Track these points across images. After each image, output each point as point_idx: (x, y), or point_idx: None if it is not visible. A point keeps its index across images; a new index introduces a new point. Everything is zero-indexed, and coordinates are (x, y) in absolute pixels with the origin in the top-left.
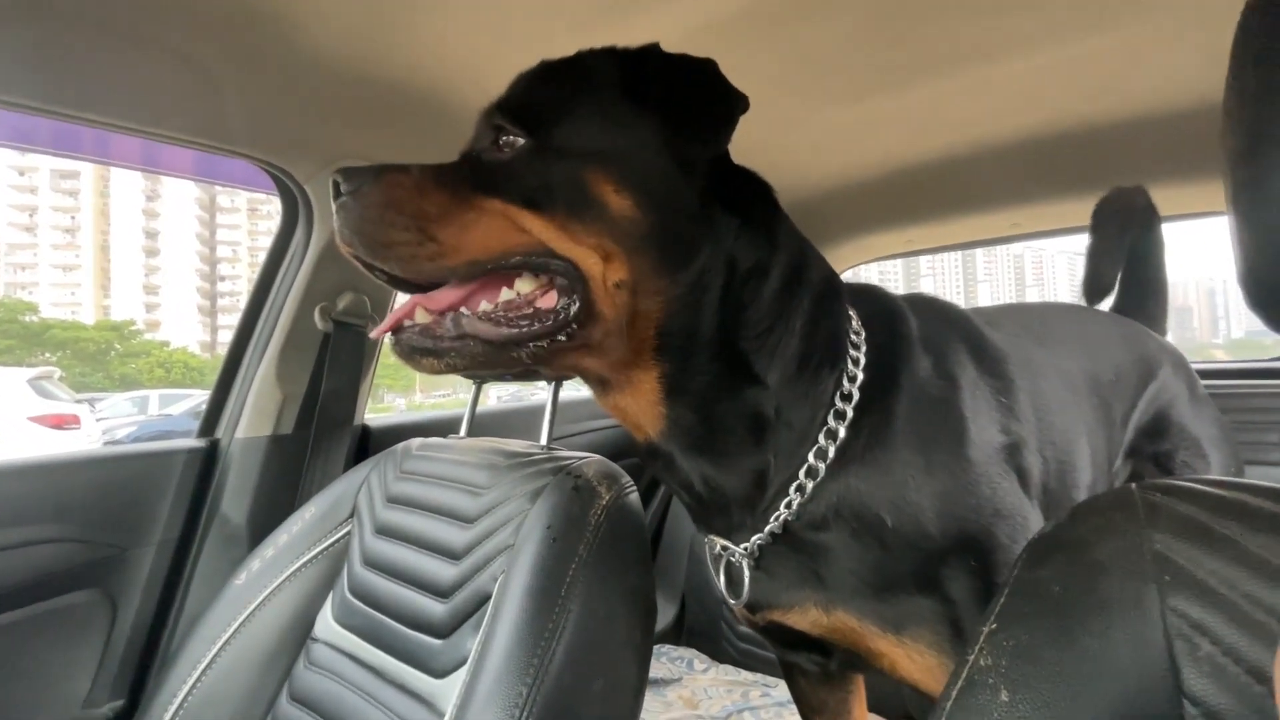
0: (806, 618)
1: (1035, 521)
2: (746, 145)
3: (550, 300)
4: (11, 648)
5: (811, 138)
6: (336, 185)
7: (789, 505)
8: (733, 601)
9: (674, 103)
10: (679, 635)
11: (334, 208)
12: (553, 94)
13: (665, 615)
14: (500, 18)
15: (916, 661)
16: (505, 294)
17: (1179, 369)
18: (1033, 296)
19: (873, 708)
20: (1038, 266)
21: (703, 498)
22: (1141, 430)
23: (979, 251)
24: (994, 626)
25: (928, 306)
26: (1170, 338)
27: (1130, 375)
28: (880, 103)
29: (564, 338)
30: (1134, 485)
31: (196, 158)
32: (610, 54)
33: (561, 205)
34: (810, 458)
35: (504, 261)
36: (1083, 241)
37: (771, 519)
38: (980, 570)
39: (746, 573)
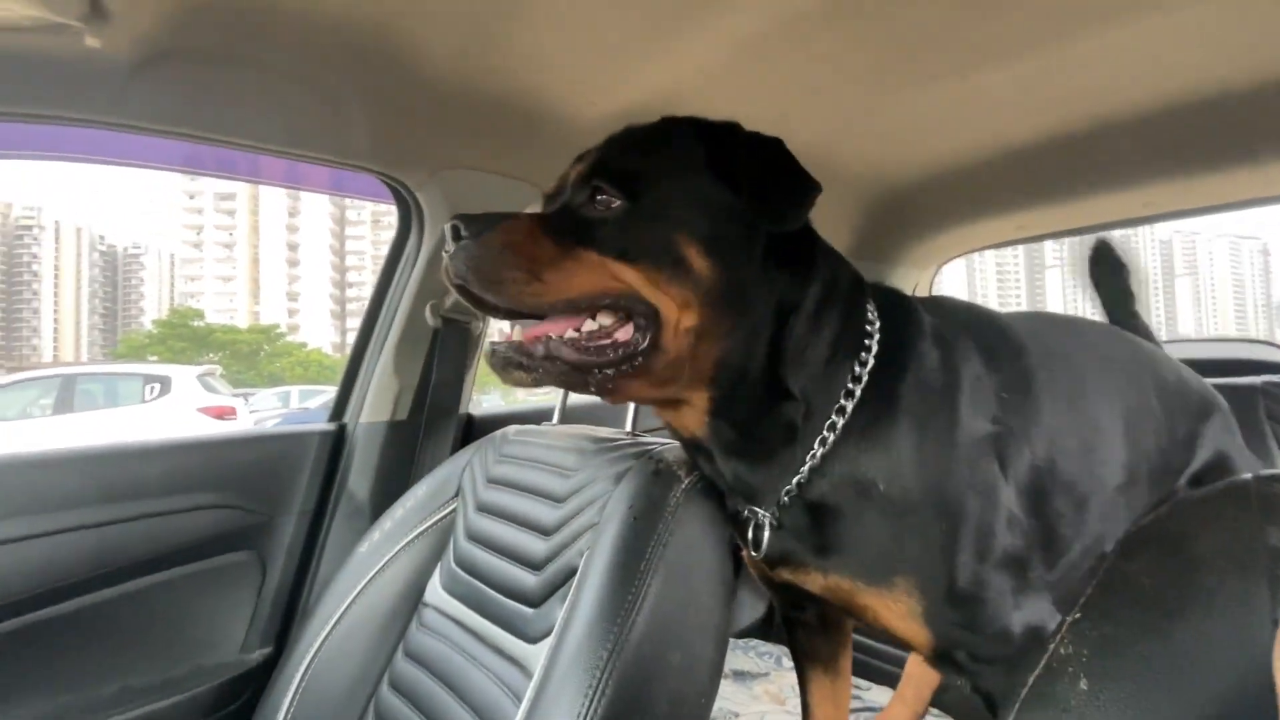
0: (809, 577)
1: (1007, 500)
2: (839, 133)
3: (626, 333)
4: (184, 598)
5: (910, 120)
6: (456, 229)
7: (801, 477)
8: (754, 554)
9: (754, 183)
10: (768, 631)
11: (449, 248)
12: (644, 163)
13: (755, 610)
14: (589, 31)
15: (893, 609)
16: (589, 324)
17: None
18: (1184, 287)
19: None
20: (1189, 252)
21: (733, 486)
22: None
23: (1115, 234)
24: (1077, 616)
25: (946, 307)
26: None
27: (1190, 409)
28: (986, 78)
29: (628, 368)
30: (1250, 475)
31: (327, 173)
32: (692, 127)
33: (652, 261)
34: (824, 430)
35: (597, 303)
36: (1245, 220)
37: (786, 488)
38: (948, 535)
39: (766, 532)
